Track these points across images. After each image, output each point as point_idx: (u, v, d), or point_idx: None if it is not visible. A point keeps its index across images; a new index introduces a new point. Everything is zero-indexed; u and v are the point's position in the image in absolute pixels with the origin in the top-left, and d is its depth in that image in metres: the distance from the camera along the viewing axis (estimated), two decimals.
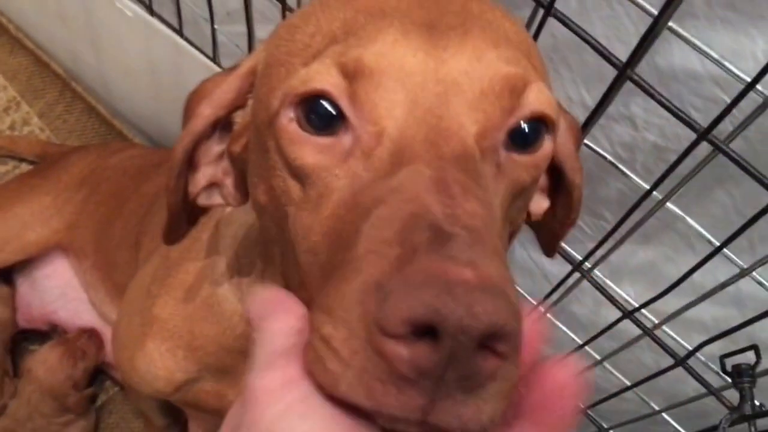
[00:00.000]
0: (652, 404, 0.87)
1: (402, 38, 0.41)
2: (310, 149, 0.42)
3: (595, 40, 0.61)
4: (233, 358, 0.72)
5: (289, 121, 0.42)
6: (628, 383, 0.87)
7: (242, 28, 1.06)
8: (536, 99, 0.42)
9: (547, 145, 0.45)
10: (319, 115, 0.42)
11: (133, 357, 0.77)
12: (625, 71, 0.60)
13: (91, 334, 1.24)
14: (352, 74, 0.40)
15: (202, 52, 1.14)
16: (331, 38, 0.43)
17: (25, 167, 1.51)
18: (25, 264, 1.27)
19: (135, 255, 1.05)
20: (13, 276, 1.30)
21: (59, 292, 1.26)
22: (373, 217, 0.36)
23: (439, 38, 0.42)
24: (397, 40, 0.41)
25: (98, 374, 1.30)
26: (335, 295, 0.34)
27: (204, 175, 0.54)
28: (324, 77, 0.41)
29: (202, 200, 0.55)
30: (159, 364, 0.74)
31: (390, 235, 0.34)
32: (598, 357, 0.89)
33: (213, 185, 0.55)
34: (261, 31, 1.07)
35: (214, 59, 1.12)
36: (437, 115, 0.40)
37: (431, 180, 0.36)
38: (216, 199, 0.56)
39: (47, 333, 1.32)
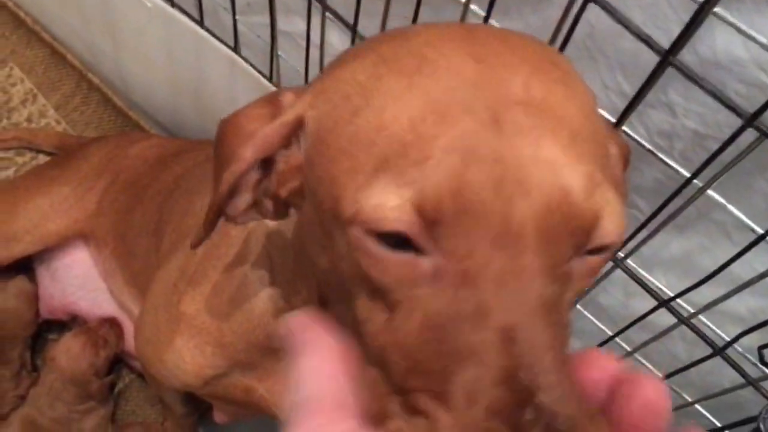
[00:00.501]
0: (685, 395, 0.85)
1: (474, 161, 0.38)
2: (388, 267, 0.40)
3: (636, 27, 0.60)
4: (263, 355, 0.70)
5: (363, 235, 0.40)
6: (660, 375, 0.85)
7: (263, 19, 1.04)
8: (610, 231, 0.41)
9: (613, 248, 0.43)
10: (397, 241, 0.40)
11: (160, 352, 0.75)
12: (667, 58, 0.58)
13: (112, 322, 1.23)
14: (430, 219, 0.38)
15: (223, 42, 1.12)
16: (400, 144, 0.40)
17: (42, 159, 1.49)
18: (46, 255, 1.25)
19: (154, 243, 1.04)
20: (34, 267, 1.29)
21: (80, 282, 1.25)
22: (469, 372, 0.37)
23: (510, 148, 0.39)
24: (469, 165, 0.38)
25: (116, 362, 1.29)
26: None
27: (244, 200, 0.52)
28: (401, 217, 0.39)
29: (240, 220, 0.54)
30: (188, 359, 0.73)
31: (496, 406, 0.36)
32: (628, 348, 0.88)
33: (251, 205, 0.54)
34: (283, 23, 1.05)
35: (236, 49, 1.11)
36: (517, 253, 0.38)
37: (524, 346, 0.37)
38: (253, 216, 0.54)
39: (67, 323, 1.31)
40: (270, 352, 0.70)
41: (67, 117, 1.56)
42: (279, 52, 1.06)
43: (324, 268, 0.47)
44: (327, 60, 0.98)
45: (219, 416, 0.95)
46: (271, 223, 0.67)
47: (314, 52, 0.99)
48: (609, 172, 0.43)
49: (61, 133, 1.51)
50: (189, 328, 0.73)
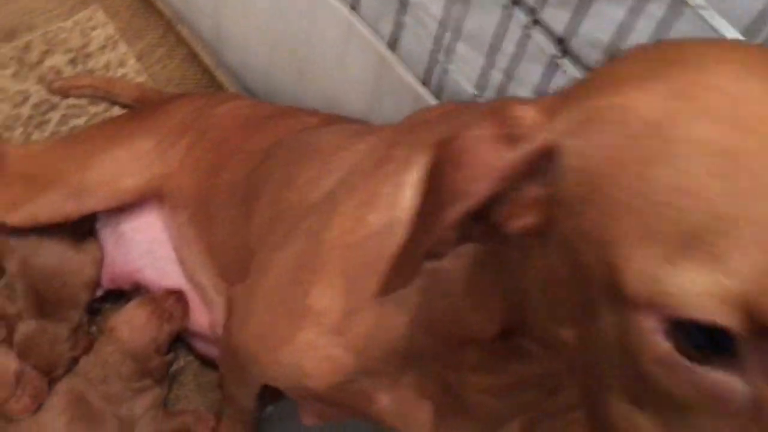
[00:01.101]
0: None
1: None
2: (688, 382, 0.36)
3: None
4: (400, 363, 0.66)
5: (658, 334, 0.36)
6: None
7: None
8: None
9: None
10: (700, 342, 0.36)
11: (276, 350, 0.72)
12: None
13: (179, 296, 1.20)
14: (761, 323, 0.34)
15: None
16: (714, 218, 0.35)
17: (117, 111, 1.49)
18: (113, 216, 1.24)
19: (243, 212, 1.02)
20: (97, 231, 1.28)
21: (147, 247, 1.23)
22: None
23: None
24: None
25: (175, 341, 1.26)
26: None
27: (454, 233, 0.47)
28: (723, 311, 0.34)
29: (443, 256, 0.49)
30: (312, 362, 0.69)
31: None
32: None
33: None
34: None
35: (355, 9, 1.08)
36: None
37: None
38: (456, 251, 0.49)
39: (126, 293, 1.29)
40: (408, 363, 0.66)
41: (149, 69, 1.56)
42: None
43: (566, 341, 0.43)
44: (448, 36, 0.95)
45: (308, 418, 0.91)
46: None
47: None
48: None
49: (142, 86, 1.51)
50: (315, 325, 0.69)
